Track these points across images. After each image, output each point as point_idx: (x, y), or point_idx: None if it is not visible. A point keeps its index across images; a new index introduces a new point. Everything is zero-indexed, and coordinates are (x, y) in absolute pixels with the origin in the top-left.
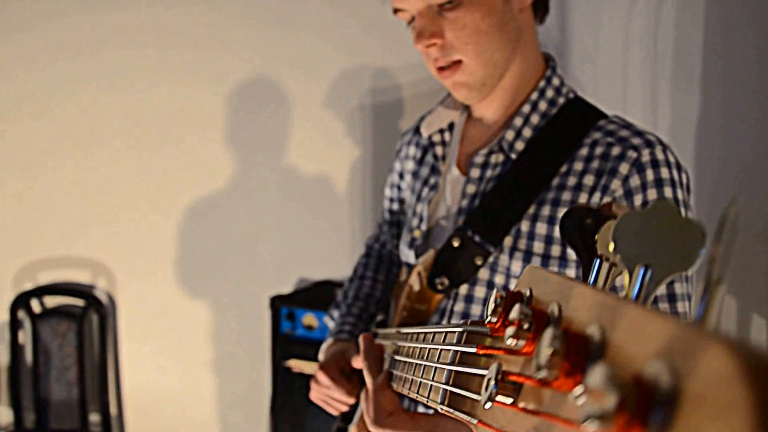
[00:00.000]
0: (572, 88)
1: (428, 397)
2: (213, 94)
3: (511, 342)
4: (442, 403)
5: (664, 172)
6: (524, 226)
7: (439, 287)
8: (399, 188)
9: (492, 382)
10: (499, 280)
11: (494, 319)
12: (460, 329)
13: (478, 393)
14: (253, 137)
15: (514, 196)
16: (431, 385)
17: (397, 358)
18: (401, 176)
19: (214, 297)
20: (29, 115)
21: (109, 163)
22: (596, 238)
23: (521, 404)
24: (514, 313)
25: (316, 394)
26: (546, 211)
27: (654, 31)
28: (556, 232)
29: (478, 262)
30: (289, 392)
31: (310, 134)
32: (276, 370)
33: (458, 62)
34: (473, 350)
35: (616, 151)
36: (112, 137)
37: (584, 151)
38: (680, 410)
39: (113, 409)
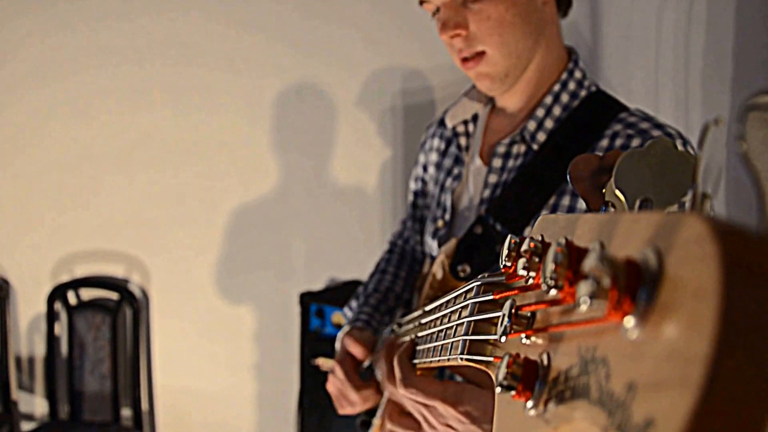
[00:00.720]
0: (595, 81)
1: (449, 355)
2: (248, 95)
3: (522, 273)
4: (461, 353)
5: None
6: (541, 214)
7: (461, 274)
8: (423, 181)
9: (506, 318)
10: None
11: (509, 263)
12: (477, 283)
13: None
14: (286, 138)
15: (535, 186)
16: (452, 343)
17: (420, 334)
18: (425, 169)
19: (245, 295)
20: (72, 115)
21: (147, 161)
22: (603, 191)
23: (534, 328)
24: (524, 246)
25: (331, 387)
26: (566, 201)
27: (685, 30)
28: None
29: (499, 250)
30: (316, 390)
31: (342, 135)
32: (304, 368)
33: (482, 53)
34: (490, 297)
35: (635, 142)
36: (151, 135)
37: (605, 143)
38: (663, 282)
39: (144, 405)
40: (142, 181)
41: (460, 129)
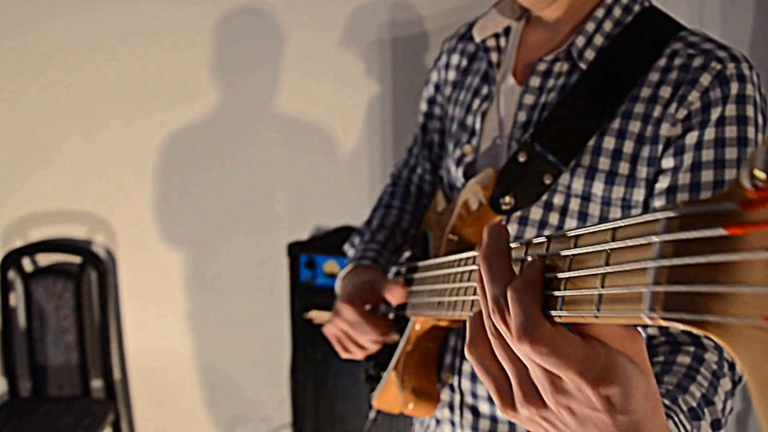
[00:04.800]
0: None
1: (631, 310)
2: (219, 29)
3: None
4: (652, 310)
5: (749, 89)
6: (591, 141)
7: (504, 207)
8: (435, 102)
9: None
10: (557, 200)
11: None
12: (670, 214)
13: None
14: (261, 77)
15: (585, 109)
16: (629, 293)
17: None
18: (437, 88)
19: (224, 249)
20: (23, 65)
21: (105, 108)
22: None
23: None
24: None
25: (333, 330)
26: (616, 124)
27: None
28: (627, 147)
29: (547, 180)
30: (310, 346)
31: (324, 72)
32: (295, 324)
33: None
34: (719, 233)
35: (697, 62)
36: (109, 79)
37: (662, 62)
38: None
39: (116, 374)
40: (101, 133)
41: (491, 43)
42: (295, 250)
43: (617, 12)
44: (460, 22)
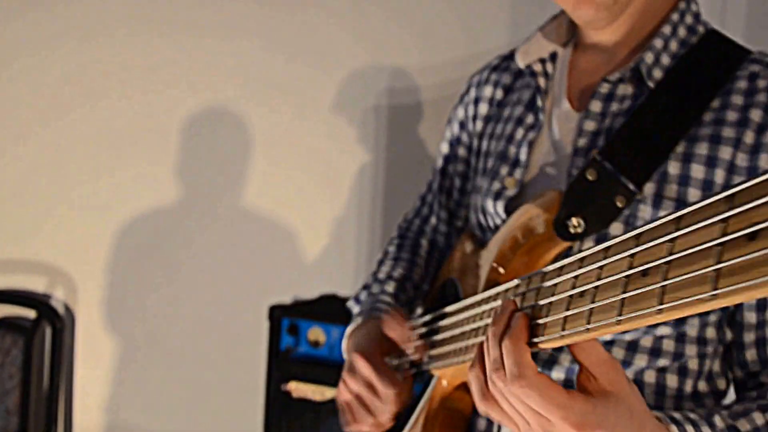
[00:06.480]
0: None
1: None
2: (212, 84)
3: None
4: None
5: None
6: (673, 168)
7: (572, 230)
8: (459, 142)
9: None
10: None
11: None
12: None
13: None
14: (249, 134)
15: (657, 131)
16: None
17: (546, 301)
18: (462, 126)
19: (194, 312)
20: None
21: (68, 151)
22: None
23: None
24: None
25: (347, 395)
26: (703, 149)
27: None
28: (718, 176)
29: (620, 203)
30: (285, 423)
31: (317, 135)
32: (270, 396)
33: None
34: None
35: None
36: (79, 125)
37: (742, 84)
38: None
39: None
40: (64, 178)
41: (537, 68)
42: (277, 313)
43: (682, 32)
44: (456, 94)
